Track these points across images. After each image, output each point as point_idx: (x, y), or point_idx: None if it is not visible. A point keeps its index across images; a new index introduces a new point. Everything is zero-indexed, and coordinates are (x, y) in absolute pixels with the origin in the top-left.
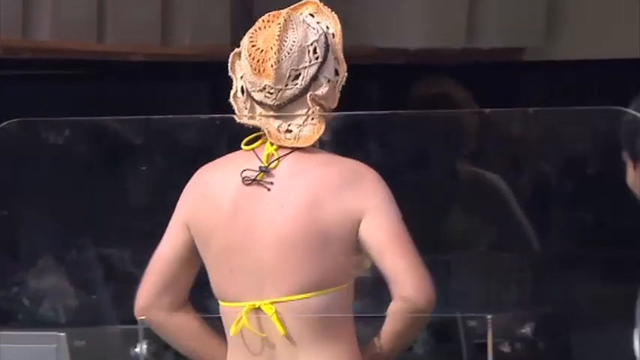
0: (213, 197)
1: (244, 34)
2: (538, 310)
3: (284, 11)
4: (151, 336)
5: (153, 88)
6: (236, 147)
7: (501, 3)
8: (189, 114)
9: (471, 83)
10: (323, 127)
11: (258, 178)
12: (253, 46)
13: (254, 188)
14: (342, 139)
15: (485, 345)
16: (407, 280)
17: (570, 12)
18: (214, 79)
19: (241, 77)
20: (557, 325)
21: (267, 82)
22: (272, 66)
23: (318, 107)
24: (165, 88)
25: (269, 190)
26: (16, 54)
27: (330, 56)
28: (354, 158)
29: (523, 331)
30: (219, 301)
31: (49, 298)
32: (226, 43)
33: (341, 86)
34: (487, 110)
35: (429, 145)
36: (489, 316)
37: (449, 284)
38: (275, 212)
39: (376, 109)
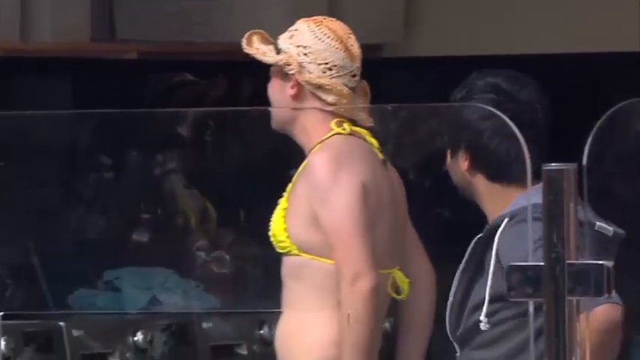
0: (375, 175)
1: (105, 32)
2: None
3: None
4: (10, 332)
5: (12, 83)
6: None
7: (358, 2)
8: (48, 110)
9: None
10: None
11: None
12: (340, 34)
13: (382, 170)
14: None
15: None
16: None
17: (427, 9)
18: (74, 75)
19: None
20: None
21: (358, 64)
22: (359, 48)
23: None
24: (24, 84)
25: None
26: None
27: None
28: None
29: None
30: None
31: None
32: (86, 39)
33: None
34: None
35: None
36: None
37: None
38: (398, 191)
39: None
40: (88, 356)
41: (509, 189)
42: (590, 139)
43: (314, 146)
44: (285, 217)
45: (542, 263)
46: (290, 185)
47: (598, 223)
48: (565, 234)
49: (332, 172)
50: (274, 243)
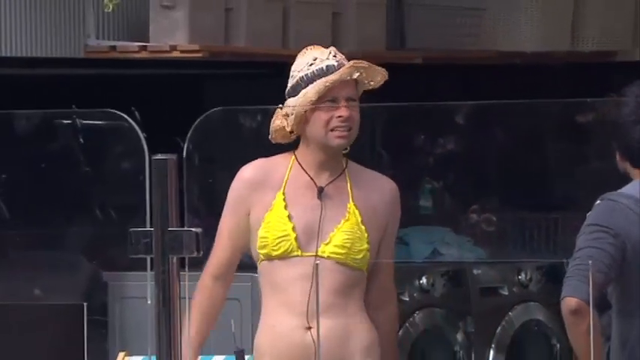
0: None
1: (397, 41)
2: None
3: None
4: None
5: None
6: None
7: (598, 14)
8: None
9: (574, 80)
10: None
11: None
12: None
13: None
14: None
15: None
16: None
17: None
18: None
19: None
20: None
21: None
22: None
23: None
24: None
25: None
26: (219, 57)
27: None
28: None
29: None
30: None
31: None
32: (382, 48)
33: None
34: (589, 100)
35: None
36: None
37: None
38: None
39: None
40: None
41: None
42: None
43: (346, 164)
44: (367, 231)
45: None
46: (352, 203)
47: None
48: None
49: None
50: (349, 255)
